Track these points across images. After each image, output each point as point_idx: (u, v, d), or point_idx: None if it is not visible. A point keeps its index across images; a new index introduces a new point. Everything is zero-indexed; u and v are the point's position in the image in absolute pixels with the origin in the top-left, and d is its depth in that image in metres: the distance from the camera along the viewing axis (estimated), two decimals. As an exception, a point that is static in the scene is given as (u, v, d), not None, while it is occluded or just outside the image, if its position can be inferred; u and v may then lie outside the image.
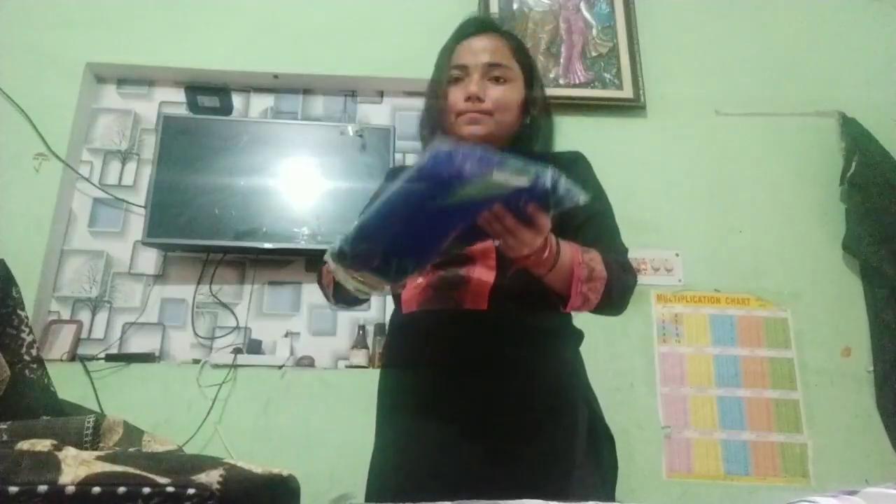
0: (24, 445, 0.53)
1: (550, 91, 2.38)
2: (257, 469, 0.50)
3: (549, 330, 1.07)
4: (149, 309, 2.22)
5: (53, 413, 0.81)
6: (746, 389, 2.13)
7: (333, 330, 2.25)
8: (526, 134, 1.14)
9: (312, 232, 2.17)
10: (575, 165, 1.12)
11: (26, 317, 0.84)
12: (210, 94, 2.39)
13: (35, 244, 2.14)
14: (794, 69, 2.51)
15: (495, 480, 0.92)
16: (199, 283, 2.24)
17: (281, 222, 2.17)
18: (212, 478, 0.47)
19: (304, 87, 2.51)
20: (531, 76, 1.16)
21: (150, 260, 2.27)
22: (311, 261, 2.30)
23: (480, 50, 1.11)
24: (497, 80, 1.09)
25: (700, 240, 2.28)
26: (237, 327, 2.21)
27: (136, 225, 2.26)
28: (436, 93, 1.16)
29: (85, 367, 1.95)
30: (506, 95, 1.09)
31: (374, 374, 2.20)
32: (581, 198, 0.75)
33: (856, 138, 2.35)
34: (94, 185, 2.32)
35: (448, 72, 1.12)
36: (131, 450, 0.70)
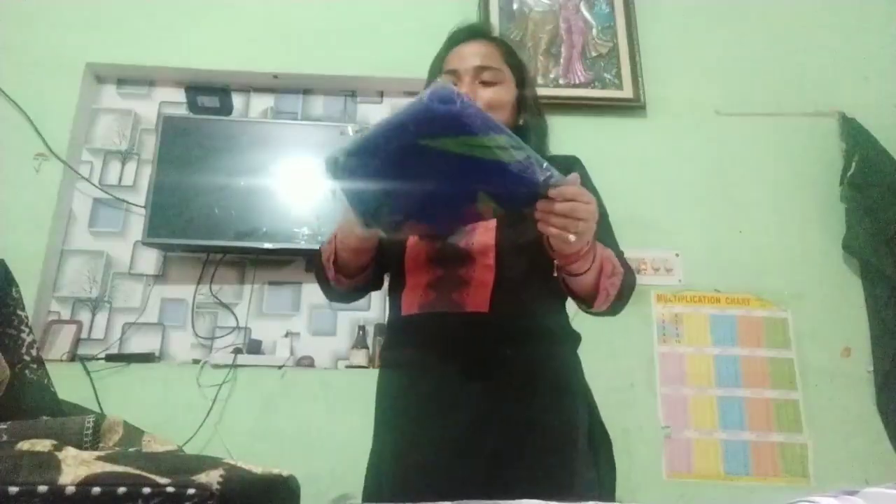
0: (24, 445, 0.53)
1: (550, 91, 2.42)
2: (257, 469, 0.50)
3: (550, 332, 1.07)
4: (149, 309, 2.22)
5: (53, 413, 0.80)
6: (746, 389, 2.13)
7: (333, 330, 2.25)
8: (519, 135, 1.14)
9: (312, 232, 2.17)
10: (572, 168, 1.13)
11: (26, 317, 0.84)
12: (210, 94, 2.39)
13: (35, 244, 2.14)
14: (794, 69, 2.51)
15: (495, 485, 0.92)
16: (199, 283, 2.24)
17: (281, 222, 2.17)
18: (212, 478, 0.47)
19: (304, 87, 2.51)
20: (522, 78, 1.17)
21: (150, 260, 2.27)
22: (311, 261, 2.30)
23: (470, 55, 1.12)
24: (487, 83, 1.11)
25: (700, 240, 2.28)
26: (237, 327, 2.21)
27: (136, 225, 2.26)
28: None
29: (85, 367, 1.95)
30: (497, 96, 1.10)
31: (374, 375, 2.20)
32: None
33: (856, 138, 2.35)
34: (94, 185, 2.32)
35: (439, 77, 1.14)
36: (131, 450, 0.70)
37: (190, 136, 2.24)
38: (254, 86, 2.50)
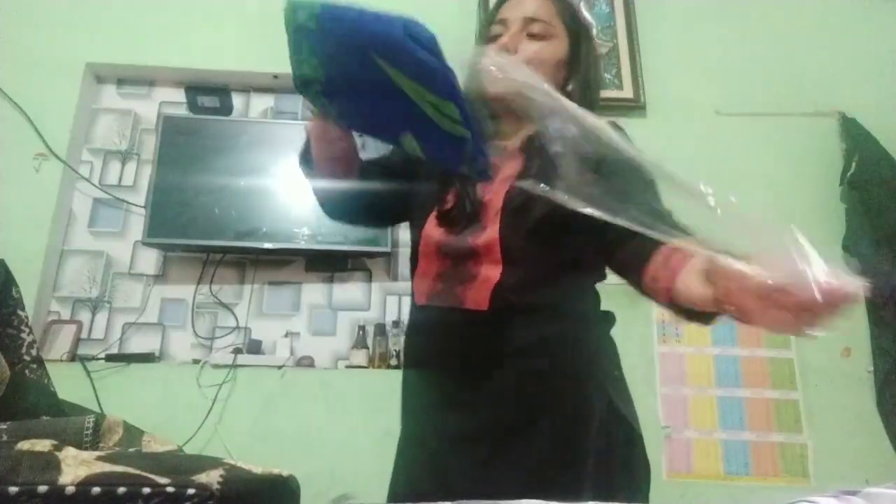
0: (24, 445, 0.53)
1: (550, 91, 2.41)
2: (257, 469, 0.50)
3: (559, 327, 1.00)
4: (149, 309, 2.22)
5: (53, 413, 0.81)
6: (746, 389, 2.13)
7: (333, 330, 2.25)
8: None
9: (312, 232, 2.17)
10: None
11: (26, 317, 0.84)
12: (210, 94, 2.39)
13: (35, 244, 2.14)
14: (794, 69, 2.51)
15: (492, 485, 0.91)
16: (199, 283, 2.24)
17: (281, 222, 2.17)
18: (212, 478, 0.47)
19: (304, 87, 2.51)
20: (577, 40, 1.08)
21: (150, 260, 2.27)
22: (311, 261, 2.30)
23: (523, 4, 1.05)
24: (535, 35, 1.03)
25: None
26: (237, 327, 2.21)
27: (136, 225, 2.25)
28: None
29: (85, 367, 1.95)
30: (542, 52, 1.02)
31: (374, 375, 2.21)
32: None
33: (856, 138, 2.35)
34: (94, 185, 2.32)
35: (489, 27, 1.08)
36: (131, 450, 0.70)
37: (190, 136, 2.24)
38: (254, 86, 2.49)
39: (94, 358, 2.05)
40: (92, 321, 2.20)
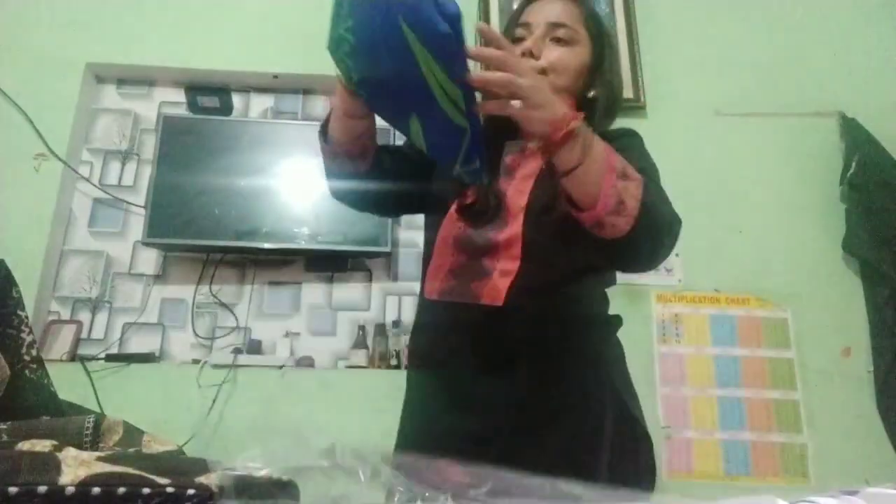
0: (24, 446, 0.53)
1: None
2: (257, 473, 0.50)
3: (571, 327, 1.01)
4: (149, 309, 2.22)
5: (53, 413, 0.80)
6: (746, 389, 2.13)
7: (333, 330, 2.25)
8: (583, 108, 0.99)
9: (312, 232, 2.17)
10: (624, 139, 1.06)
11: (26, 317, 0.84)
12: (210, 94, 2.39)
13: (35, 244, 2.14)
14: (794, 69, 2.51)
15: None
16: (199, 284, 2.24)
17: (281, 222, 2.17)
18: (211, 480, 0.47)
19: (304, 87, 2.51)
20: (601, 47, 1.08)
21: (150, 260, 2.27)
22: (311, 261, 2.30)
23: (547, 8, 1.05)
24: (559, 41, 1.03)
25: (700, 240, 2.28)
26: (237, 327, 2.21)
27: (136, 225, 2.26)
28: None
29: (85, 367, 1.95)
30: (565, 58, 1.02)
31: (373, 375, 2.21)
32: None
33: (856, 138, 2.35)
34: (94, 185, 2.32)
35: (513, 30, 1.08)
36: (131, 450, 0.70)
37: (190, 136, 2.24)
38: (254, 86, 2.49)
39: (94, 358, 2.05)
40: (92, 321, 2.20)
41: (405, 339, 2.10)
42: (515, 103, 0.76)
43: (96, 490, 0.44)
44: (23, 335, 0.82)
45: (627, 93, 2.42)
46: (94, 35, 2.40)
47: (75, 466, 0.45)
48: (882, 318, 2.16)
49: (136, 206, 2.29)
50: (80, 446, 0.62)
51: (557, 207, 0.92)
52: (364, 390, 2.00)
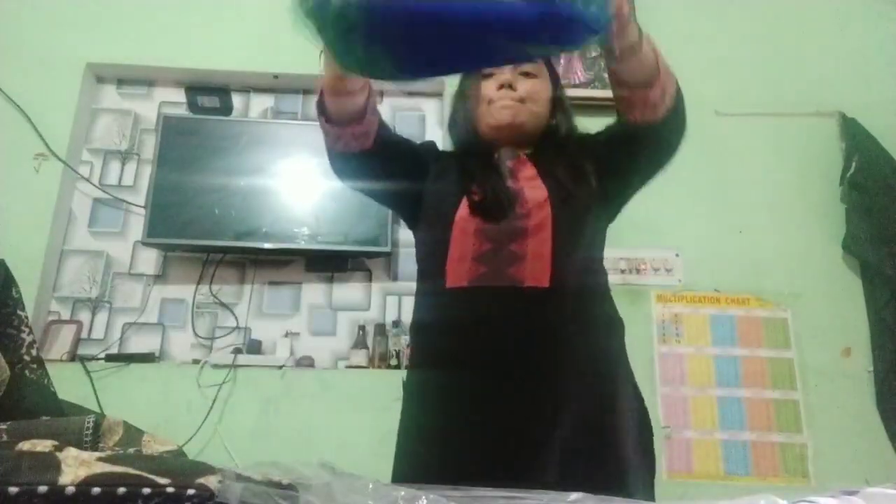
0: (25, 446, 0.53)
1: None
2: (257, 476, 0.50)
3: (606, 312, 1.09)
4: (149, 309, 2.22)
5: (53, 413, 0.81)
6: (746, 389, 2.13)
7: (333, 330, 2.25)
8: (551, 135, 1.19)
9: (312, 232, 2.17)
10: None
11: (26, 317, 0.84)
12: (210, 94, 2.39)
13: (35, 244, 2.14)
14: (794, 69, 2.51)
15: (549, 472, 0.91)
16: (199, 283, 2.24)
17: (281, 222, 2.17)
18: (211, 481, 0.47)
19: (304, 87, 2.51)
20: (556, 79, 1.24)
21: (150, 260, 2.27)
22: (311, 261, 2.30)
23: None
24: (528, 74, 1.15)
25: (700, 240, 2.28)
26: (237, 327, 2.21)
27: (136, 225, 2.26)
28: (466, 87, 1.20)
29: (85, 367, 1.95)
30: (537, 87, 1.15)
31: (374, 375, 2.21)
32: None
33: (856, 138, 2.35)
34: (94, 185, 2.32)
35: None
36: (131, 450, 0.70)
37: (190, 136, 2.24)
38: (254, 86, 2.49)
39: (94, 358, 2.05)
40: (92, 321, 2.20)
41: (405, 339, 2.10)
42: None
43: (96, 490, 0.44)
44: (23, 335, 0.82)
45: (627, 93, 2.42)
46: (94, 35, 2.40)
47: (75, 466, 0.46)
48: (882, 318, 2.16)
49: (136, 206, 2.29)
50: (80, 446, 0.62)
51: (578, 196, 1.06)
52: (364, 390, 2.00)
